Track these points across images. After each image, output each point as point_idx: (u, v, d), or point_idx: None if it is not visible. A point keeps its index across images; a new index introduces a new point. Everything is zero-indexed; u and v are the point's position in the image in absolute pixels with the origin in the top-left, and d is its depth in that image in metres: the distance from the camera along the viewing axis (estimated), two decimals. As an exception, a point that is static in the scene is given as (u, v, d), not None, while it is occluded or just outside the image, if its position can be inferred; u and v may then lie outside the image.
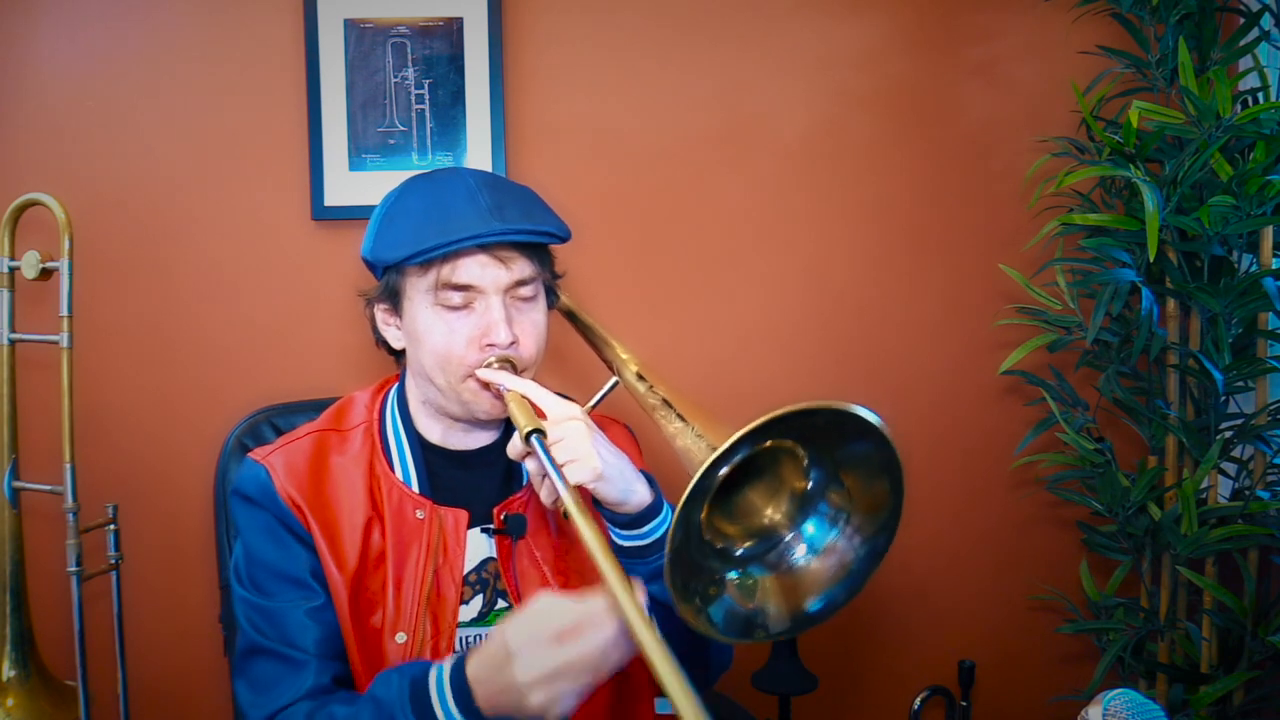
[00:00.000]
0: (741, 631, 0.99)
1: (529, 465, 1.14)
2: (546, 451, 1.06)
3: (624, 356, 1.26)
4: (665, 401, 1.12)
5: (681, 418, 1.07)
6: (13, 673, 1.64)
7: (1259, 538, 1.64)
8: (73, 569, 1.64)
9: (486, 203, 1.16)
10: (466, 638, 1.24)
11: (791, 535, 1.03)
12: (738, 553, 1.02)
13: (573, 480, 1.07)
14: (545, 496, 1.12)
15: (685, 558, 0.95)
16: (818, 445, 1.00)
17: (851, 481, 1.01)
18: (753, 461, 0.98)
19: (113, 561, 1.75)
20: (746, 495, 1.05)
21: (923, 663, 2.08)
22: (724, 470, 0.94)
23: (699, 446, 1.01)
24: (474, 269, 1.17)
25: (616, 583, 0.88)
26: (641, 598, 0.89)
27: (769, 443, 0.98)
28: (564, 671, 0.92)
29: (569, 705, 0.95)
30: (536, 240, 1.19)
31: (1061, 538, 2.09)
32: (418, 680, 1.03)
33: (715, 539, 1.01)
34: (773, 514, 1.04)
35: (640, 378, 1.20)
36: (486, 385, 1.18)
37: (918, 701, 1.73)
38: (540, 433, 1.08)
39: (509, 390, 1.15)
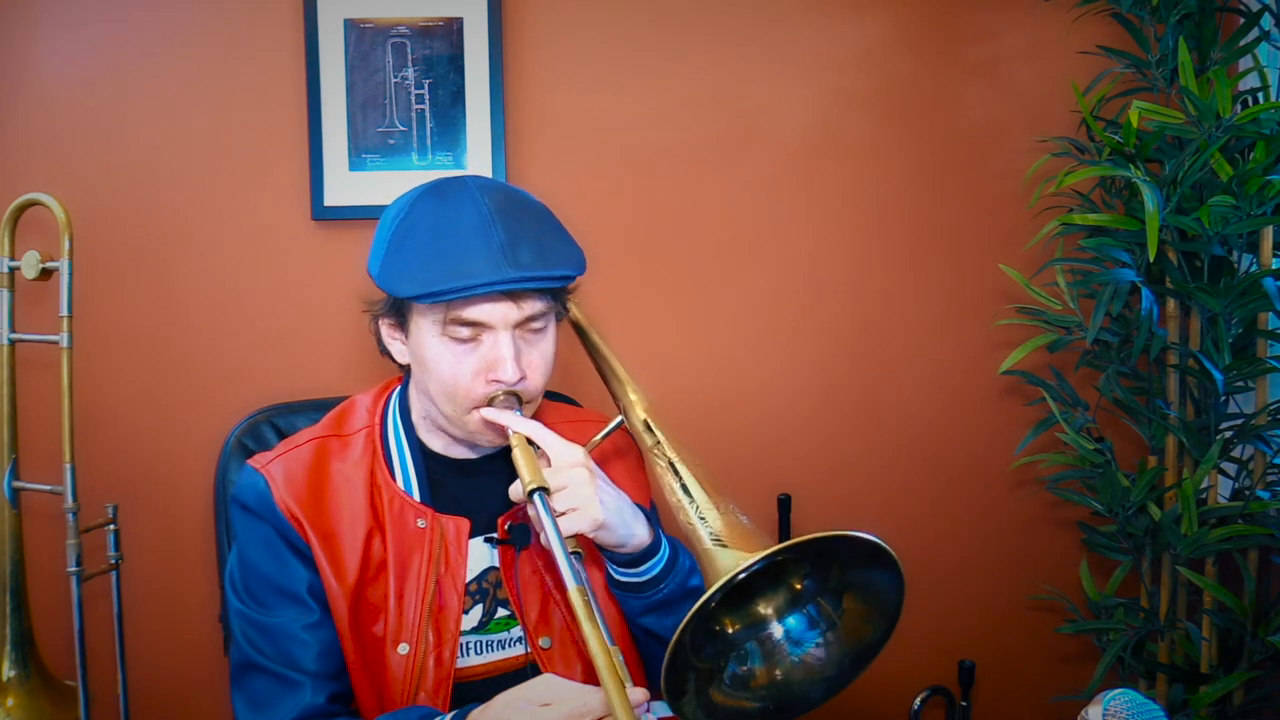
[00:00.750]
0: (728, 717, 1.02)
1: (530, 511, 1.13)
2: (548, 510, 1.06)
3: (632, 398, 1.23)
4: (671, 466, 1.12)
5: (686, 491, 1.08)
6: (13, 673, 1.64)
7: (1259, 538, 1.64)
8: (73, 569, 1.64)
9: (500, 239, 1.12)
10: (466, 644, 1.24)
11: (776, 625, 1.06)
12: (729, 635, 1.05)
13: (572, 530, 1.09)
14: (545, 543, 1.11)
15: (684, 657, 0.97)
16: (829, 561, 1.02)
17: (851, 605, 1.04)
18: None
19: (113, 561, 1.75)
20: (748, 590, 1.07)
21: (923, 663, 2.08)
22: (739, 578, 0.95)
23: (705, 532, 1.02)
24: (485, 308, 1.13)
25: (611, 684, 0.90)
26: (637, 696, 0.93)
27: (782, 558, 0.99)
28: None
29: None
30: (551, 286, 1.16)
31: (1061, 538, 2.09)
32: None
33: (713, 624, 1.04)
34: (764, 606, 1.07)
35: (648, 428, 1.19)
36: (491, 423, 1.17)
37: (918, 701, 1.73)
38: (544, 490, 1.08)
39: (514, 433, 1.15)
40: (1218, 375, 1.62)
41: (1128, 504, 1.71)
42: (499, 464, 1.27)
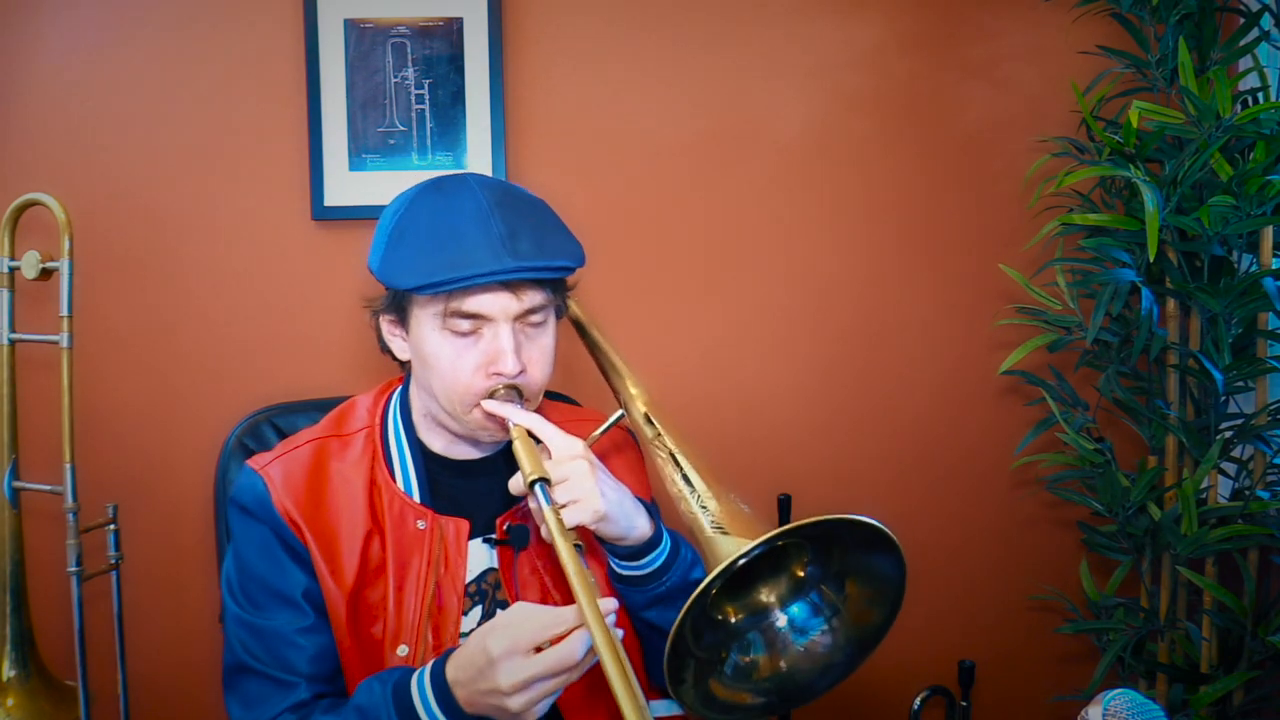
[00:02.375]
0: (725, 711, 1.03)
1: (530, 504, 1.14)
2: (549, 500, 1.07)
3: (633, 392, 1.24)
4: (673, 457, 1.12)
5: (688, 481, 1.08)
6: (13, 673, 1.64)
7: (1259, 538, 1.64)
8: (73, 569, 1.64)
9: (499, 230, 1.12)
10: None
11: (778, 613, 1.07)
12: (732, 623, 1.05)
13: (574, 522, 1.09)
14: (546, 534, 1.11)
15: (685, 645, 0.98)
16: (830, 546, 1.02)
17: (854, 590, 1.04)
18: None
19: (113, 561, 1.75)
20: (750, 577, 1.07)
21: (923, 663, 2.08)
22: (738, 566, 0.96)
23: (704, 517, 1.03)
24: (485, 299, 1.14)
25: (585, 601, 0.94)
26: (607, 606, 0.96)
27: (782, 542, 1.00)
28: (541, 676, 0.98)
29: (544, 709, 1.01)
30: (550, 277, 1.16)
31: (1061, 538, 2.09)
32: (400, 685, 1.07)
33: (715, 613, 1.05)
34: (767, 594, 1.07)
35: (649, 421, 1.19)
36: (492, 415, 1.17)
37: (918, 701, 1.72)
38: (545, 481, 1.08)
39: (515, 425, 1.15)
40: (1218, 375, 1.62)
41: (1128, 504, 1.71)
42: (498, 464, 1.27)
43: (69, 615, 1.65)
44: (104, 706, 1.77)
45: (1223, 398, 1.68)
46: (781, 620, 1.06)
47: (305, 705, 1.16)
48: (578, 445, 1.14)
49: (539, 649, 0.98)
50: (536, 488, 1.08)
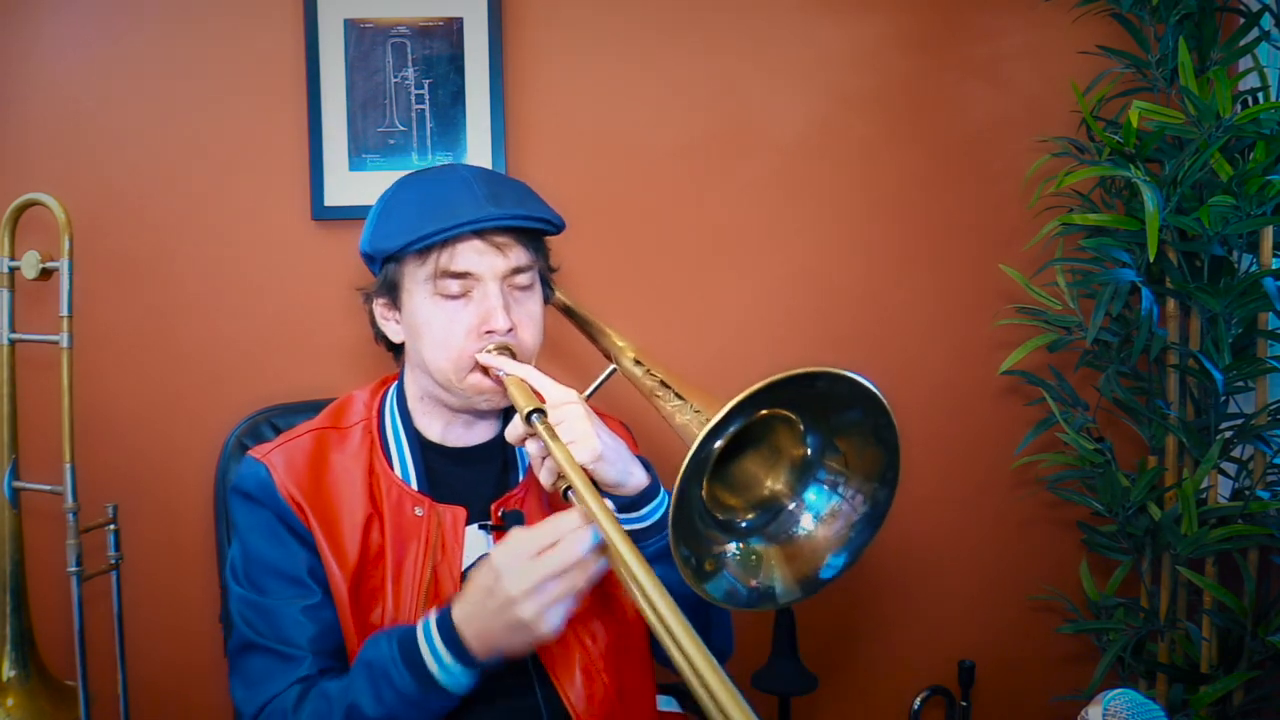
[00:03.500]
0: (750, 601, 1.00)
1: (529, 447, 1.14)
2: (547, 429, 1.08)
3: (620, 344, 1.28)
4: (662, 382, 1.14)
5: (679, 395, 1.10)
6: (13, 673, 1.64)
7: (1259, 538, 1.64)
8: (73, 569, 1.64)
9: (482, 191, 1.19)
10: None
11: (794, 504, 1.05)
12: (742, 525, 1.04)
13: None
14: (545, 478, 1.12)
15: (692, 529, 0.96)
16: (813, 412, 1.01)
17: (847, 447, 1.02)
18: (751, 432, 1.00)
19: (113, 561, 1.75)
20: (747, 466, 1.07)
21: (923, 663, 2.08)
22: (721, 441, 0.96)
23: (697, 420, 1.03)
24: (472, 256, 1.19)
25: (588, 495, 0.96)
26: (610, 504, 0.98)
27: (765, 412, 1.00)
28: (549, 578, 0.98)
29: (557, 619, 1.00)
30: (532, 226, 1.22)
31: (1061, 538, 2.09)
32: (406, 636, 1.09)
33: (719, 511, 1.03)
34: (773, 484, 1.06)
35: (637, 363, 1.23)
36: (486, 371, 1.20)
37: (918, 701, 1.73)
38: (541, 413, 1.10)
39: (508, 375, 1.17)
40: (1218, 375, 1.62)
41: (1128, 504, 1.71)
42: (494, 451, 1.30)
43: (69, 615, 1.65)
44: (104, 706, 1.77)
45: (1223, 398, 1.68)
46: (807, 521, 1.03)
47: (310, 679, 1.17)
48: (572, 393, 1.17)
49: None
50: (534, 420, 1.09)
